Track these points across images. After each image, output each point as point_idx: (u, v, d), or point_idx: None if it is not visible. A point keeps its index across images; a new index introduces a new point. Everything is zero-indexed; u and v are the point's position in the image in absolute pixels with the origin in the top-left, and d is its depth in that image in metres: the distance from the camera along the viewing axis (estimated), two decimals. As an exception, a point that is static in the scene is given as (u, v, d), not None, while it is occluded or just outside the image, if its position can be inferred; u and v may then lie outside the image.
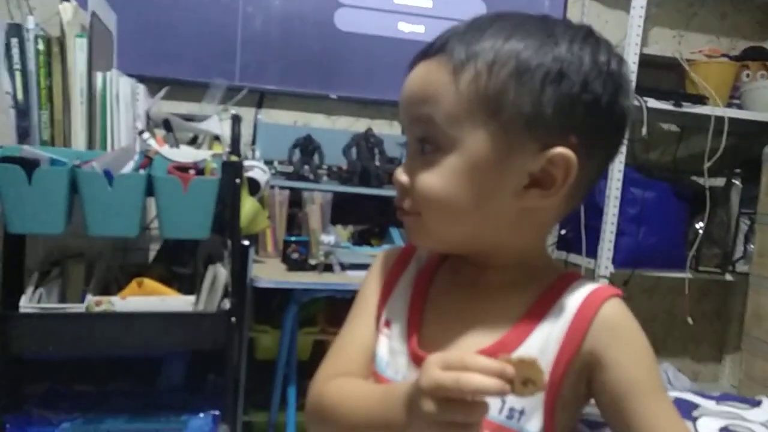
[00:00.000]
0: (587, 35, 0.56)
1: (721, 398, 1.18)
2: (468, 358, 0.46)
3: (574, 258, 2.19)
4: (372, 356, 0.64)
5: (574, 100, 0.53)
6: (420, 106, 0.56)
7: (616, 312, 0.56)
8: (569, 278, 0.59)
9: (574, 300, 0.56)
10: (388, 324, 0.64)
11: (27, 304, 1.26)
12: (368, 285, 0.68)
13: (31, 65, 1.34)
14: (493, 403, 0.51)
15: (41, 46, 1.34)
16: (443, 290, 0.64)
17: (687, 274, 2.14)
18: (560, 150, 0.53)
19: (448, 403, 0.46)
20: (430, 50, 0.57)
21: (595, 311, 0.55)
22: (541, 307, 0.57)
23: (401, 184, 0.58)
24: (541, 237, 0.62)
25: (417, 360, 0.59)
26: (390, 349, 0.62)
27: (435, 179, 0.55)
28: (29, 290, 1.28)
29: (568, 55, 0.53)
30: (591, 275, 2.04)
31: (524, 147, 0.54)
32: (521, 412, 0.54)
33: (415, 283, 0.65)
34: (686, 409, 1.11)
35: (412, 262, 0.67)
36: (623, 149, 1.96)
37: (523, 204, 0.55)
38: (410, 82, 0.58)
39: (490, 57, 0.53)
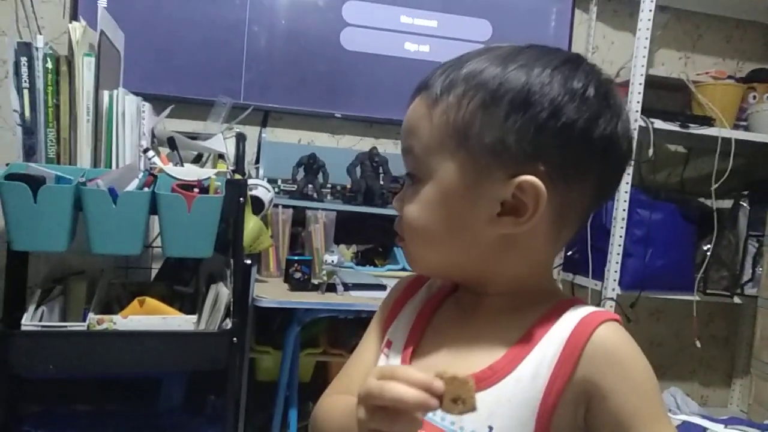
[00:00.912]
0: (565, 61, 0.56)
1: (730, 422, 1.16)
2: (399, 370, 0.48)
3: (580, 280, 2.17)
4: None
5: (540, 127, 0.53)
6: (406, 138, 0.60)
7: (610, 337, 0.54)
8: (569, 303, 0.58)
9: (568, 325, 0.55)
10: (389, 345, 0.65)
11: (29, 322, 1.25)
12: (379, 309, 0.71)
13: (40, 83, 1.35)
14: (480, 430, 0.53)
15: (50, 65, 1.35)
16: (446, 316, 0.65)
17: (695, 297, 2.11)
18: (526, 178, 0.53)
19: (376, 411, 0.48)
20: (419, 86, 0.60)
21: (587, 336, 0.53)
22: (536, 332, 0.56)
23: (397, 210, 0.62)
24: (535, 264, 0.60)
25: None
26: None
27: (414, 208, 0.58)
28: (31, 308, 1.28)
29: (536, 81, 0.54)
30: (597, 297, 2.02)
31: (492, 175, 0.55)
32: None
33: (421, 308, 0.66)
34: (695, 434, 1.09)
35: (423, 288, 0.69)
36: (629, 171, 1.96)
37: (498, 231, 0.56)
38: (405, 117, 0.61)
39: (461, 90, 0.55)
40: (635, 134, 1.95)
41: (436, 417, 0.56)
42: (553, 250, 0.61)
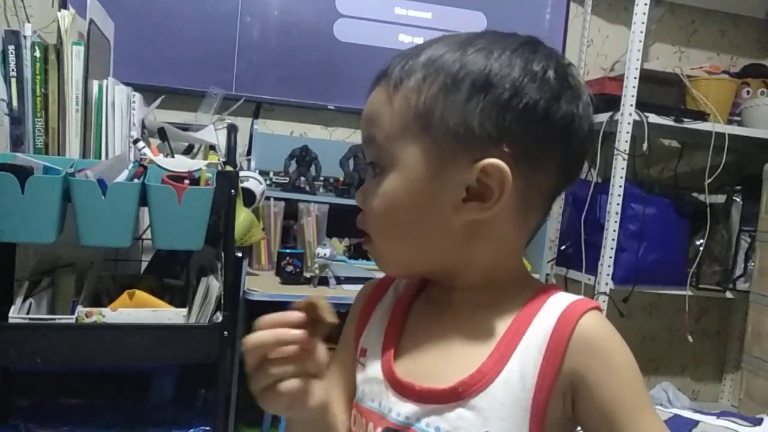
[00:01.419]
0: (522, 44, 0.56)
1: (722, 414, 1.16)
2: (258, 322, 0.52)
3: (573, 274, 2.17)
4: (345, 390, 0.65)
5: (502, 109, 0.53)
6: (367, 128, 0.59)
7: (593, 327, 0.53)
8: (545, 293, 0.57)
9: (550, 318, 0.54)
10: (363, 353, 0.63)
11: (16, 314, 1.23)
12: (348, 319, 0.69)
13: (27, 72, 1.33)
14: (475, 430, 0.53)
15: (38, 54, 1.33)
16: (419, 317, 0.63)
17: (687, 292, 2.12)
18: (491, 161, 0.53)
19: (256, 371, 0.52)
20: (378, 75, 0.59)
21: (571, 328, 0.53)
22: (518, 329, 0.55)
23: (359, 205, 0.61)
24: (504, 252, 0.59)
25: (397, 386, 0.58)
26: (365, 377, 0.62)
27: (378, 200, 0.57)
28: (18, 300, 1.26)
29: (495, 64, 0.54)
30: (591, 291, 2.02)
31: (456, 160, 0.54)
32: None
33: (392, 311, 0.64)
34: (686, 427, 1.09)
35: (390, 291, 0.67)
36: (623, 165, 1.95)
37: (464, 218, 0.55)
38: (365, 107, 0.60)
39: (420, 75, 0.55)
40: (630, 128, 1.95)
41: (430, 429, 0.55)
42: (521, 236, 0.60)
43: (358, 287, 0.71)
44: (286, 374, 0.51)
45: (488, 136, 0.53)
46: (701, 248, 2.14)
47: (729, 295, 2.21)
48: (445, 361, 0.57)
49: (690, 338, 2.20)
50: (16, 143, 1.33)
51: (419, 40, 2.39)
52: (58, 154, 1.34)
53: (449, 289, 0.60)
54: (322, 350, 0.53)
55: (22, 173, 1.18)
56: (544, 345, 0.53)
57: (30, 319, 1.25)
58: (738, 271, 2.18)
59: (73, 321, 1.25)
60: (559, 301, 0.56)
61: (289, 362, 0.51)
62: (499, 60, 0.54)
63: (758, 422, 1.13)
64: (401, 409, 0.57)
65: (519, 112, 0.53)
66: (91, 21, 1.37)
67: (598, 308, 0.55)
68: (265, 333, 0.51)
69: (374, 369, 0.61)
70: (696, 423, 1.09)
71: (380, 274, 0.71)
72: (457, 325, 0.59)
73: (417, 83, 0.55)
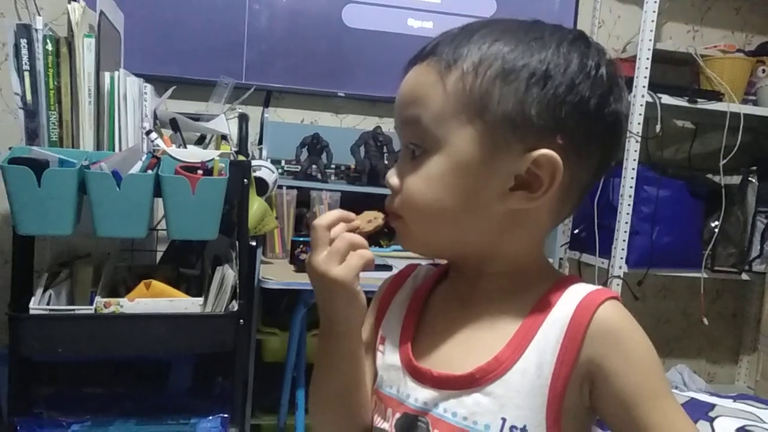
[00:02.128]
0: (576, 39, 0.56)
1: (739, 397, 1.16)
2: (320, 218, 0.58)
3: (587, 258, 2.16)
4: (370, 378, 0.65)
5: (560, 102, 0.53)
6: (409, 108, 0.57)
7: (611, 316, 0.54)
8: (566, 282, 0.58)
9: (568, 308, 0.54)
10: (382, 341, 0.65)
11: (36, 305, 1.25)
12: (368, 312, 0.69)
13: (40, 66, 1.33)
14: (494, 423, 0.53)
15: (50, 47, 1.33)
16: (439, 305, 0.64)
17: (702, 274, 2.10)
18: (545, 151, 0.53)
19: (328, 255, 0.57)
20: (421, 54, 0.58)
21: (589, 318, 0.53)
22: (538, 316, 0.55)
23: (392, 187, 0.59)
24: (535, 242, 0.60)
25: (414, 373, 0.59)
26: (383, 364, 0.63)
27: (420, 182, 0.56)
28: (38, 292, 1.28)
29: (554, 57, 0.54)
30: (604, 275, 2.01)
31: (509, 148, 0.53)
32: (523, 429, 0.53)
33: (411, 300, 0.65)
34: (702, 410, 1.08)
35: (408, 281, 0.68)
36: (636, 148, 1.94)
37: (508, 206, 0.55)
38: (402, 86, 0.58)
39: (476, 57, 0.54)
40: (642, 110, 1.93)
41: (447, 414, 0.55)
42: (552, 227, 0.60)
43: (372, 274, 0.71)
44: (356, 242, 0.57)
45: (544, 126, 0.53)
46: (716, 230, 2.12)
47: (745, 276, 2.19)
48: (463, 349, 0.58)
49: (705, 321, 2.19)
50: (31, 137, 1.34)
51: (429, 25, 2.35)
52: (72, 147, 1.35)
53: (474, 277, 0.60)
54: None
55: (39, 167, 1.19)
56: (562, 334, 0.53)
57: (50, 310, 1.27)
58: (754, 253, 2.16)
59: (92, 311, 1.27)
60: (577, 291, 0.56)
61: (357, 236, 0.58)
62: (557, 52, 0.54)
63: (775, 404, 1.13)
64: (419, 394, 0.57)
65: (574, 105, 0.53)
66: (102, 13, 1.38)
67: (616, 298, 0.55)
68: (332, 212, 0.58)
69: (392, 356, 0.62)
70: (713, 406, 1.09)
71: (396, 262, 0.71)
72: (476, 313, 0.59)
73: (473, 66, 0.53)
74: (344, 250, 0.57)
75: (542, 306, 0.56)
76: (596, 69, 0.54)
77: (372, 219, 0.61)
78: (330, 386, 0.63)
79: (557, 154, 0.53)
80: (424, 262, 0.71)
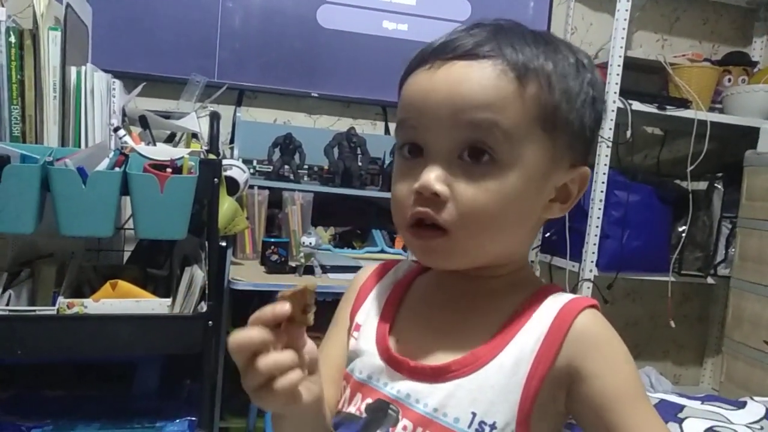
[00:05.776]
0: (590, 57, 0.60)
1: (706, 399, 1.17)
2: (251, 318, 0.48)
3: (558, 261, 2.18)
4: (341, 366, 0.64)
5: (599, 120, 0.58)
6: (481, 111, 0.52)
7: (591, 323, 0.55)
8: (548, 290, 0.59)
9: (549, 313, 0.55)
10: (357, 327, 0.65)
11: (-6, 306, 1.21)
12: (344, 298, 0.70)
13: (2, 58, 1.29)
14: (463, 417, 0.53)
15: (13, 39, 1.29)
16: (421, 298, 0.64)
17: (670, 278, 2.14)
18: (587, 168, 0.58)
19: (246, 370, 0.48)
20: (470, 51, 0.53)
21: (569, 323, 0.54)
22: (519, 319, 0.56)
23: (439, 194, 0.52)
24: (528, 248, 0.64)
25: (391, 362, 0.59)
26: (357, 350, 0.62)
27: (487, 194, 0.52)
28: (-3, 292, 1.24)
29: (595, 79, 0.58)
30: (575, 278, 2.03)
31: (562, 162, 0.56)
32: (492, 426, 0.53)
33: (392, 291, 0.65)
34: (672, 411, 1.10)
35: (390, 272, 0.68)
36: (607, 153, 1.97)
37: (545, 216, 0.58)
38: (456, 83, 0.52)
39: (548, 69, 0.54)
40: (614, 116, 1.96)
41: (419, 405, 0.55)
42: None
43: (344, 276, 0.71)
44: (281, 368, 0.47)
45: (590, 143, 0.58)
46: (683, 235, 2.16)
47: (710, 280, 2.23)
48: (443, 342, 0.58)
49: (672, 323, 2.23)
50: (-8, 131, 1.30)
51: (404, 28, 2.35)
52: (36, 143, 1.31)
53: (470, 278, 0.59)
54: (311, 344, 0.50)
55: (-1, 162, 1.15)
56: (542, 336, 0.54)
57: (10, 310, 1.23)
58: (719, 257, 2.21)
59: (54, 312, 1.23)
60: (559, 299, 0.57)
61: (281, 359, 0.47)
62: (594, 75, 0.58)
63: (742, 405, 1.15)
64: (393, 383, 0.58)
65: (599, 123, 0.59)
66: (68, 5, 1.34)
67: (596, 306, 0.56)
68: (252, 333, 0.47)
69: (368, 343, 0.61)
70: (682, 407, 1.11)
71: (368, 264, 0.71)
72: (460, 310, 0.60)
73: (546, 80, 0.53)
74: (267, 382, 0.47)
75: (525, 310, 0.57)
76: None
77: (300, 297, 0.48)
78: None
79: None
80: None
